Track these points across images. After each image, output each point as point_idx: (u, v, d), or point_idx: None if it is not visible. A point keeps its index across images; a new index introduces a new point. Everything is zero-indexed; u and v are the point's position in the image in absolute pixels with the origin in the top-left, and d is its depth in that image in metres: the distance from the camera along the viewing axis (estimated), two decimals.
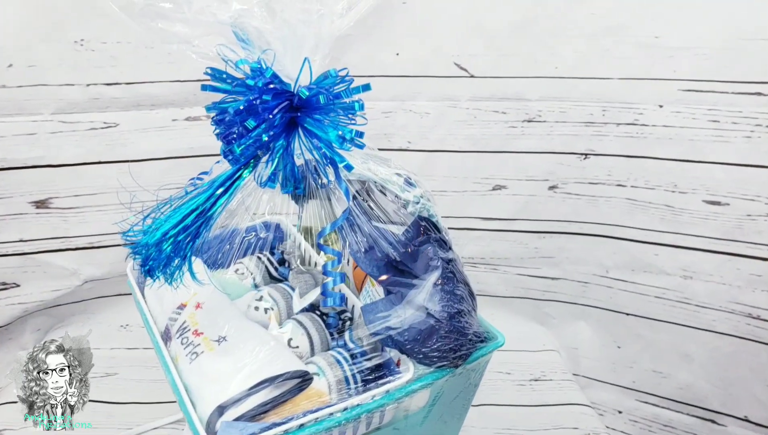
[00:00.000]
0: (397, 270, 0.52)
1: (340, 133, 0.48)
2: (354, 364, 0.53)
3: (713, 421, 0.87)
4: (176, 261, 0.48)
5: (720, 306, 0.85)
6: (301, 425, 0.47)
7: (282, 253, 0.70)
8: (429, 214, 0.53)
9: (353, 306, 0.61)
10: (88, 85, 0.83)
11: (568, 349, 0.96)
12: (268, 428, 0.46)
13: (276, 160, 0.48)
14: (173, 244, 0.48)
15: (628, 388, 0.93)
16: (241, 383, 0.48)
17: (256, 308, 0.60)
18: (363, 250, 0.52)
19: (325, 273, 0.53)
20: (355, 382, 0.52)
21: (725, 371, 0.85)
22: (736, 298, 0.84)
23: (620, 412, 0.93)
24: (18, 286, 0.90)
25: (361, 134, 0.49)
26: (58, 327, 0.95)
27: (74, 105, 0.84)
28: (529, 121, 0.88)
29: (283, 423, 0.46)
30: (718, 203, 0.84)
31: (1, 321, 0.90)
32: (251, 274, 0.65)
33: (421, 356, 0.50)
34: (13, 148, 0.83)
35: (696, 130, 0.83)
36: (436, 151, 0.91)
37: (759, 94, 0.79)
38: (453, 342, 0.50)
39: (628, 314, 0.91)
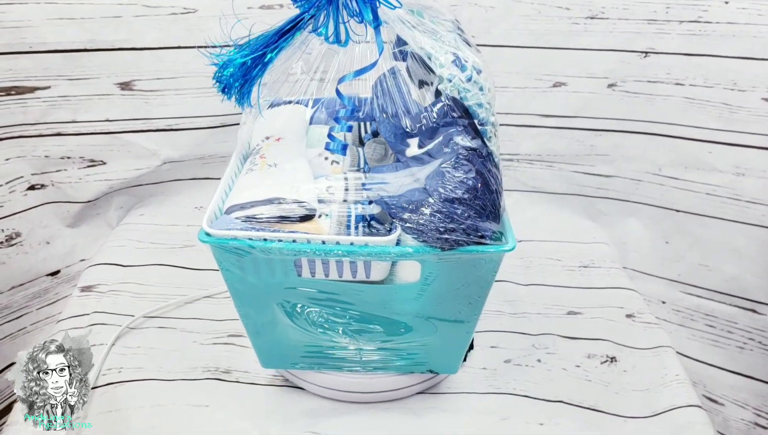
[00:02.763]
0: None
1: None
2: (360, 223, 0.55)
3: (754, 311, 0.91)
4: (246, 84, 0.55)
5: None
6: (280, 239, 0.52)
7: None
8: (461, 97, 0.52)
9: None
10: None
11: (618, 243, 1.00)
12: (249, 229, 0.52)
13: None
14: (243, 69, 0.54)
15: (673, 281, 0.97)
16: (254, 194, 0.55)
17: (326, 158, 0.63)
18: (386, 113, 0.54)
19: (335, 119, 0.56)
20: (356, 233, 0.54)
21: None
22: None
23: (664, 303, 0.97)
24: (104, 163, 0.97)
25: None
26: (139, 206, 1.03)
27: None
28: (592, 18, 0.90)
29: (263, 231, 0.52)
30: None
31: (90, 196, 0.98)
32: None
33: (404, 224, 0.51)
34: (100, 30, 0.89)
35: (760, 27, 0.84)
36: (499, 47, 0.93)
37: None
38: (440, 223, 0.50)
39: (678, 211, 0.95)
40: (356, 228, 0.54)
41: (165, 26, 0.91)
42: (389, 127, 0.53)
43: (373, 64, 0.52)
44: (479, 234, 0.51)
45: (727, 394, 0.94)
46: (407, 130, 0.52)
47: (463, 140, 0.51)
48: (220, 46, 0.56)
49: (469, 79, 0.51)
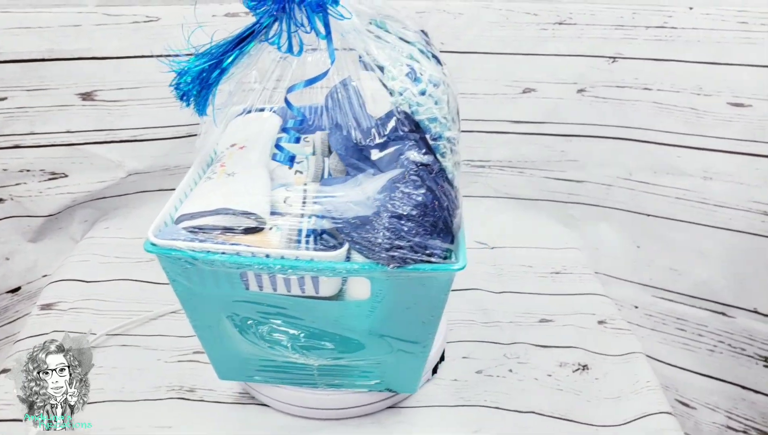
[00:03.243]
0: (362, 155, 0.52)
1: None
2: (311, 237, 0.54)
3: (724, 314, 0.92)
4: (202, 91, 0.54)
5: (737, 205, 0.88)
6: (223, 252, 0.51)
7: None
8: (413, 111, 0.51)
9: None
10: None
11: (590, 248, 1.00)
12: (193, 240, 0.51)
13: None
14: (200, 77, 0.53)
15: (645, 285, 0.97)
16: (204, 204, 0.54)
17: (290, 167, 0.62)
18: (337, 123, 0.53)
19: (284, 129, 0.55)
20: (306, 247, 0.52)
21: (739, 267, 0.89)
22: (753, 197, 0.87)
23: (636, 307, 0.98)
24: (66, 176, 0.94)
25: None
26: (104, 219, 1.00)
27: None
28: (560, 24, 0.90)
29: (207, 242, 0.51)
30: (741, 105, 0.86)
31: (52, 210, 0.95)
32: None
33: (351, 240, 0.50)
34: (59, 39, 0.86)
35: (724, 33, 0.84)
36: (467, 53, 0.93)
37: None
38: (387, 240, 0.49)
39: (648, 215, 0.95)
40: (306, 242, 0.52)
41: (127, 35, 0.88)
42: (340, 139, 0.52)
43: (324, 74, 0.51)
44: (428, 252, 0.50)
45: (699, 397, 0.94)
46: (356, 143, 0.51)
47: (414, 155, 0.50)
48: (181, 55, 0.54)
49: (423, 93, 0.50)
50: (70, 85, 0.90)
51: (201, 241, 0.52)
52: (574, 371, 0.78)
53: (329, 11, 0.50)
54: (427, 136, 0.51)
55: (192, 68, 0.53)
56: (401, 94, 0.50)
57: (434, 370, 0.75)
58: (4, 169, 0.91)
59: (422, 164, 0.50)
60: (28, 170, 0.92)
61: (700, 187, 0.90)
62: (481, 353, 0.80)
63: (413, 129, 0.50)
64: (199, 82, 0.54)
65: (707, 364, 0.94)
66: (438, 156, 0.51)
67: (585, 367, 0.79)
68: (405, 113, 0.50)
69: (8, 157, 0.91)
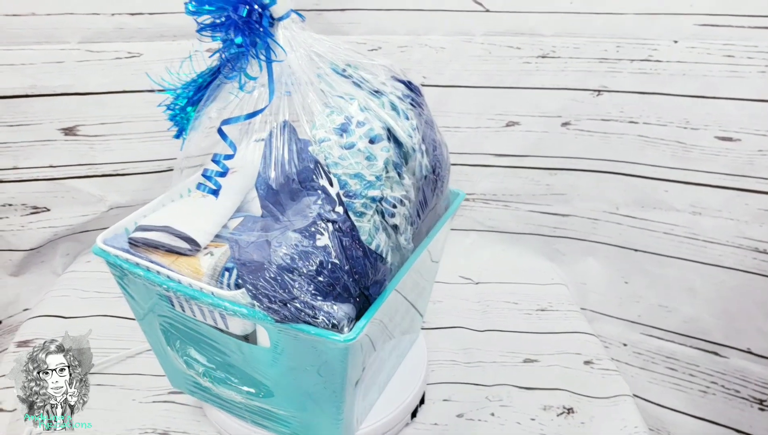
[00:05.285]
0: (277, 199, 0.50)
1: None
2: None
3: (716, 353, 0.89)
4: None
5: (727, 241, 0.86)
6: (147, 268, 0.54)
7: None
8: (328, 163, 0.48)
9: None
10: (112, 14, 0.86)
11: (577, 284, 0.98)
12: (134, 254, 0.55)
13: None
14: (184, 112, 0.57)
15: (633, 322, 0.95)
16: (157, 219, 0.57)
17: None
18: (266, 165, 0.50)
19: (213, 160, 0.54)
20: (228, 280, 0.52)
21: (730, 305, 0.87)
22: (743, 232, 0.85)
23: (625, 345, 0.95)
24: (48, 210, 0.94)
25: None
26: (86, 252, 1.00)
27: (100, 34, 0.86)
28: (543, 57, 0.89)
29: (143, 259, 0.54)
30: (729, 139, 0.85)
31: (34, 244, 0.95)
32: None
33: (244, 284, 0.48)
34: (42, 76, 0.87)
35: (710, 66, 0.83)
36: (450, 87, 0.92)
37: None
38: (273, 291, 0.46)
39: (636, 250, 0.93)
40: (229, 275, 0.51)
41: (109, 71, 0.89)
42: (262, 179, 0.49)
43: (260, 111, 0.51)
44: (312, 313, 0.46)
45: None
46: (271, 186, 0.49)
47: (321, 209, 0.47)
48: (169, 90, 0.58)
49: (351, 147, 0.47)
50: (53, 120, 0.90)
51: (133, 253, 0.54)
52: (558, 415, 0.76)
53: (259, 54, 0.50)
54: (341, 192, 0.47)
55: (182, 94, 0.58)
56: (320, 144, 0.48)
57: (413, 414, 0.73)
58: None
59: (328, 220, 0.47)
60: (10, 205, 0.92)
61: (688, 222, 0.88)
62: (462, 395, 0.78)
63: (327, 182, 0.47)
64: (186, 105, 0.58)
65: (700, 406, 0.91)
66: (352, 214, 0.47)
67: (570, 410, 0.76)
68: (317, 163, 0.48)
69: None
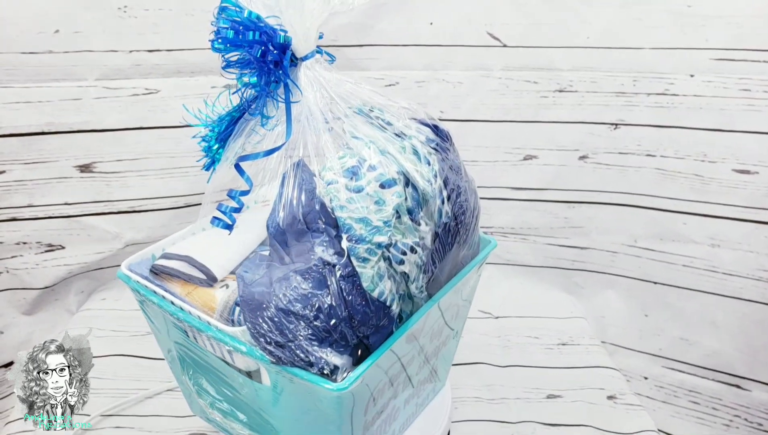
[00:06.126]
0: (283, 239, 0.49)
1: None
2: None
3: (738, 386, 0.89)
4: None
5: (747, 274, 0.86)
6: (163, 297, 0.54)
7: None
8: (333, 205, 0.46)
9: None
10: (130, 51, 0.86)
11: (596, 317, 0.97)
12: (152, 282, 0.55)
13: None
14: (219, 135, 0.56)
15: (654, 355, 0.94)
16: (182, 248, 0.58)
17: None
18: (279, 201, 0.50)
19: (229, 195, 0.54)
20: (238, 316, 0.52)
21: (752, 338, 0.86)
22: (763, 265, 0.85)
23: (646, 378, 0.95)
24: (63, 248, 0.93)
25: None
26: (101, 290, 0.98)
27: (118, 71, 0.86)
28: (560, 91, 0.90)
29: (161, 287, 0.54)
30: (747, 172, 0.85)
31: (48, 282, 0.93)
32: None
33: (245, 321, 0.47)
34: (59, 113, 0.86)
35: (727, 100, 0.84)
36: (468, 121, 0.92)
37: None
38: (270, 332, 0.45)
39: (656, 283, 0.93)
40: (240, 310, 0.51)
41: (126, 107, 0.88)
42: (272, 218, 0.49)
43: (278, 148, 0.51)
44: (306, 358, 0.45)
45: None
46: (279, 225, 0.48)
47: (323, 252, 0.45)
48: (204, 123, 0.57)
49: (359, 190, 0.46)
50: (69, 157, 0.89)
51: (152, 281, 0.55)
52: None
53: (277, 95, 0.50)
54: (345, 236, 0.46)
55: (215, 127, 0.57)
56: (327, 185, 0.47)
57: None
58: (1, 242, 0.90)
59: (328, 263, 0.45)
60: (24, 243, 0.91)
61: (708, 254, 0.88)
62: (488, 433, 0.77)
63: (331, 225, 0.46)
64: (217, 139, 0.58)
65: None
66: (354, 260, 0.46)
67: None
68: (323, 205, 0.47)
69: (5, 230, 0.90)
